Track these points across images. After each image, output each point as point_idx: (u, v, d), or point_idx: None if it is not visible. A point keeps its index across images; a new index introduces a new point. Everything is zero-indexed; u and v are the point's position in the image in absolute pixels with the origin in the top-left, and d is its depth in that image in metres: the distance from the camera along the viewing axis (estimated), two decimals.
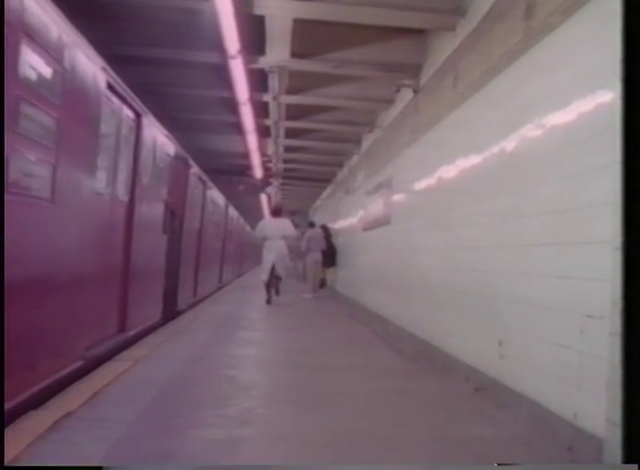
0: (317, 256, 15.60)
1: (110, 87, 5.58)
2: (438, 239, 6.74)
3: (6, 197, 3.37)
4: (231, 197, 19.98)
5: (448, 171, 6.47)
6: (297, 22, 7.10)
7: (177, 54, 8.70)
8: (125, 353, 5.99)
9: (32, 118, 3.87)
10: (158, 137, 7.68)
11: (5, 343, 2.86)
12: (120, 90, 5.91)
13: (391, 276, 9.30)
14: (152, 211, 7.60)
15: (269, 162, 17.41)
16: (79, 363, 4.98)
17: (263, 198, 26.26)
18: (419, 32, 7.95)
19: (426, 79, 7.83)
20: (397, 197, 9.27)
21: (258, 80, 9.24)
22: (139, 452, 3.22)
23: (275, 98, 10.17)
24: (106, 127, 5.55)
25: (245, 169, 18.67)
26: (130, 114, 6.42)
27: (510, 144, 4.87)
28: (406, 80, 8.30)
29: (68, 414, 3.74)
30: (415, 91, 8.20)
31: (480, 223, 5.44)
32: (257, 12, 6.66)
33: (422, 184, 7.59)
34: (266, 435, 3.73)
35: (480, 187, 5.50)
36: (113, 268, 6.10)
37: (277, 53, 8.01)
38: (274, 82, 9.31)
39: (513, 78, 4.94)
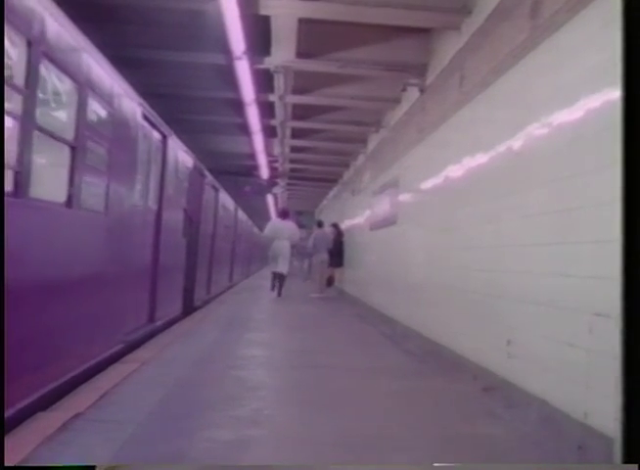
0: (324, 256, 15.58)
1: (144, 117, 6.69)
2: (445, 239, 6.73)
3: (77, 212, 4.58)
4: (238, 198, 20.03)
5: (454, 171, 6.46)
6: (302, 21, 7.10)
7: (183, 56, 8.74)
8: (133, 355, 6.00)
9: (94, 151, 5.02)
10: (179, 153, 8.82)
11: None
12: (152, 118, 7.07)
13: (398, 276, 9.28)
14: (174, 217, 8.66)
15: (275, 162, 17.44)
16: (121, 345, 6.04)
17: (270, 198, 26.30)
18: (424, 31, 7.94)
19: (432, 79, 7.81)
20: (404, 197, 9.26)
21: (264, 81, 9.25)
22: (148, 453, 3.22)
23: (281, 98, 10.18)
24: (141, 150, 6.63)
25: (251, 170, 18.71)
26: (158, 136, 7.56)
27: (516, 143, 4.85)
28: (412, 80, 8.29)
29: (77, 415, 3.74)
30: (421, 90, 8.19)
31: (487, 223, 5.43)
32: (263, 12, 6.66)
33: (428, 184, 7.58)
34: (276, 436, 3.73)
35: (487, 186, 5.49)
36: (144, 268, 7.14)
37: (282, 53, 8.01)
38: (280, 82, 9.31)
39: (519, 77, 4.93)
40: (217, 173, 14.43)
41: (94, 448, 3.23)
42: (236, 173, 19.09)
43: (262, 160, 16.36)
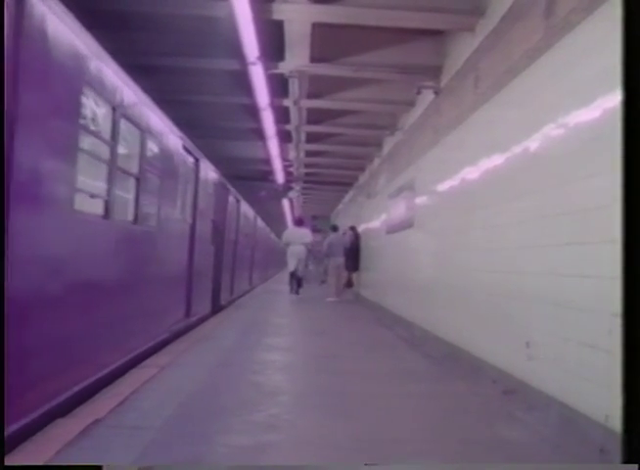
0: (339, 260, 15.58)
1: (183, 147, 8.02)
2: (462, 241, 6.70)
3: (135, 227, 5.85)
4: (253, 203, 20.08)
5: (470, 173, 6.43)
6: (315, 26, 7.11)
7: (197, 62, 8.78)
8: (151, 360, 6.02)
9: (150, 180, 6.31)
10: (208, 172, 10.15)
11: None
12: (188, 147, 8.40)
13: (415, 279, 9.25)
14: (204, 228, 9.90)
15: (290, 166, 17.45)
16: (167, 335, 7.34)
17: (285, 203, 26.33)
18: (438, 33, 7.93)
19: (446, 81, 7.79)
20: (420, 199, 9.23)
21: (278, 85, 9.27)
22: (168, 458, 3.23)
23: (295, 103, 10.20)
24: (181, 174, 7.95)
25: (266, 175, 18.74)
26: (192, 160, 8.85)
27: (532, 144, 4.83)
28: (427, 82, 8.27)
29: (97, 421, 3.76)
30: (436, 93, 8.16)
31: (504, 224, 5.40)
32: (276, 17, 6.67)
33: (444, 186, 7.56)
34: (294, 440, 3.73)
35: (503, 188, 5.46)
36: (183, 271, 8.46)
37: (297, 58, 8.03)
38: (294, 87, 9.32)
39: (534, 78, 4.91)
40: (233, 178, 14.50)
41: (114, 454, 3.24)
42: (251, 178, 19.13)
43: (277, 164, 16.38)
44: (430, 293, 8.18)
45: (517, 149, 5.16)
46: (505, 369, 5.09)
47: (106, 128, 4.99)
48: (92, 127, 4.78)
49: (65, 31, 3.96)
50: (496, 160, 5.67)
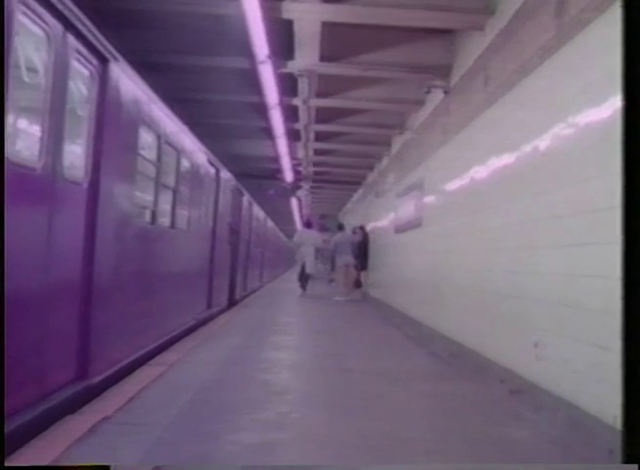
0: (347, 258, 15.54)
1: (208, 161, 9.23)
2: (471, 241, 6.69)
3: (171, 231, 7.05)
4: (262, 201, 20.10)
5: (480, 172, 6.41)
6: (325, 25, 7.10)
7: (207, 60, 8.80)
8: (159, 358, 6.04)
9: (182, 191, 7.42)
10: (227, 180, 11.36)
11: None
12: (212, 160, 9.62)
13: (423, 278, 9.23)
14: (223, 230, 11.07)
15: (299, 165, 17.44)
16: (193, 322, 8.54)
17: (294, 202, 26.32)
18: (448, 33, 7.91)
19: (456, 80, 7.77)
20: (429, 199, 9.21)
21: (288, 84, 9.26)
22: (175, 456, 3.24)
23: (305, 102, 10.18)
24: (205, 184, 9.13)
25: (275, 173, 18.74)
26: (214, 170, 9.98)
27: (543, 143, 4.81)
28: (436, 81, 8.24)
29: (105, 419, 3.77)
30: (445, 92, 8.14)
31: (514, 224, 5.38)
32: (286, 16, 6.67)
33: (453, 185, 7.54)
34: (302, 439, 3.72)
35: (513, 187, 5.44)
36: (206, 268, 9.67)
37: (306, 57, 8.01)
38: (303, 86, 9.30)
39: (545, 77, 4.89)
40: (242, 176, 14.53)
41: (121, 452, 3.25)
42: (260, 176, 19.13)
43: (286, 163, 16.38)
44: (438, 292, 8.16)
45: (526, 148, 5.14)
46: (513, 369, 5.07)
47: (153, 153, 6.22)
48: (144, 153, 5.92)
49: (128, 82, 5.08)
50: (506, 159, 5.65)
